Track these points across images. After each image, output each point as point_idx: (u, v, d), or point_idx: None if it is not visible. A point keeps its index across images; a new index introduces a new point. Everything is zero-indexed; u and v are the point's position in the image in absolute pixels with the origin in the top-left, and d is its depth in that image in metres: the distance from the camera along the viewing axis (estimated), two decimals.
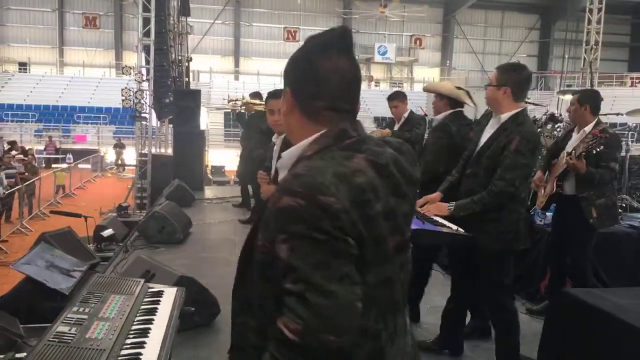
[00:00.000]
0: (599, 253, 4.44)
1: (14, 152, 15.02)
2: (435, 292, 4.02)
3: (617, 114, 6.95)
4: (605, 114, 6.83)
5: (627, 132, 6.00)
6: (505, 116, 2.82)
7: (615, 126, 7.41)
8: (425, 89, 4.11)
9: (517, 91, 2.81)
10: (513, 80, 2.80)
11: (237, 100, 8.08)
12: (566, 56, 23.13)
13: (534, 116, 6.19)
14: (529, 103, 7.36)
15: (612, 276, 4.45)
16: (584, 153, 3.66)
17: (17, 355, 2.27)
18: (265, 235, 1.07)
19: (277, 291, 1.03)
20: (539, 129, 5.75)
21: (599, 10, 18.47)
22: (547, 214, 4.53)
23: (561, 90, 6.15)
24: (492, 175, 2.77)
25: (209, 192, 10.34)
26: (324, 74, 1.17)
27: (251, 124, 7.18)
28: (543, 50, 37.45)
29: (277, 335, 0.99)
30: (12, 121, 26.46)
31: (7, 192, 11.10)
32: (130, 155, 19.88)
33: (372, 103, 29.14)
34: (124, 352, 1.22)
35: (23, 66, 32.51)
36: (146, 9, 11.39)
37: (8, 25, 33.05)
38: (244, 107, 7.53)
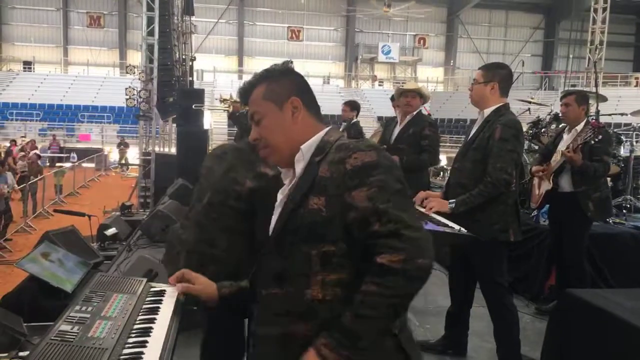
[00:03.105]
0: (604, 254, 4.43)
1: (22, 153, 15.05)
2: (439, 293, 4.01)
3: (622, 114, 6.93)
4: (609, 114, 6.81)
5: (632, 132, 5.97)
6: (488, 110, 2.97)
7: (619, 126, 7.37)
8: (412, 89, 4.24)
9: (503, 86, 2.98)
10: (500, 75, 2.97)
11: (227, 99, 8.09)
12: (570, 56, 23.06)
13: (538, 116, 6.16)
14: (533, 103, 7.34)
15: (617, 277, 4.44)
16: (580, 145, 3.82)
17: (21, 354, 2.28)
18: (322, 198, 1.29)
19: (324, 251, 1.28)
20: (542, 129, 5.73)
21: (604, 10, 18.42)
22: None
23: (566, 90, 6.11)
24: (479, 167, 2.89)
25: None
26: (308, 85, 1.51)
27: (239, 123, 7.23)
28: (547, 50, 37.35)
29: (377, 270, 1.22)
30: (16, 120, 26.55)
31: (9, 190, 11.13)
32: (133, 154, 19.91)
33: (376, 103, 29.13)
34: (125, 351, 1.21)
35: (28, 65, 32.57)
36: (150, 8, 11.40)
37: (13, 24, 33.15)
38: (230, 107, 7.55)
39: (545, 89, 32.35)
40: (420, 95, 4.20)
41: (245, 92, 1.49)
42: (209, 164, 2.41)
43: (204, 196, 2.23)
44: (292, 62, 1.79)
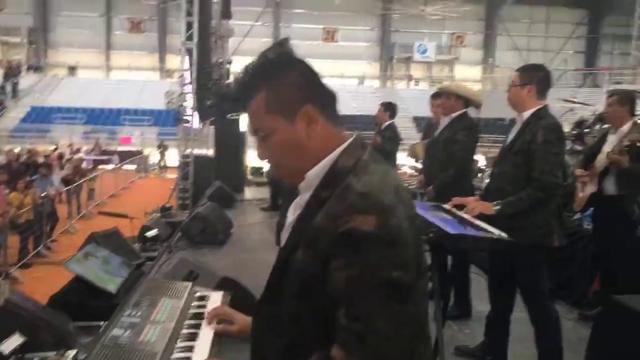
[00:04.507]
0: None
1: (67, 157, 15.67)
2: (478, 297, 3.96)
3: None
4: None
5: None
6: (527, 113, 2.91)
7: None
8: (450, 90, 4.09)
9: (540, 89, 2.90)
10: (537, 78, 2.90)
11: None
12: (615, 52, 22.28)
13: (582, 116, 6.00)
14: (576, 102, 7.15)
15: None
16: (627, 148, 3.72)
17: (69, 352, 2.38)
18: (310, 252, 1.03)
19: (318, 308, 1.03)
20: (586, 130, 5.58)
21: None
22: None
23: (611, 90, 5.85)
24: (520, 171, 2.83)
25: (249, 193, 10.49)
26: (317, 76, 1.16)
27: None
28: (591, 47, 36.19)
29: (327, 357, 1.01)
30: (61, 123, 27.50)
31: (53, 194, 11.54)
32: (173, 156, 20.34)
33: (412, 103, 28.86)
34: (174, 355, 1.25)
35: (72, 70, 33.76)
36: (189, 13, 11.63)
37: (58, 31, 34.34)
38: None
39: (588, 87, 31.40)
40: (457, 96, 3.96)
41: (242, 100, 1.17)
42: None
43: None
44: (289, 38, 1.34)
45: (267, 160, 1.18)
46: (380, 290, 0.97)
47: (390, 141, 5.70)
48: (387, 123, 5.85)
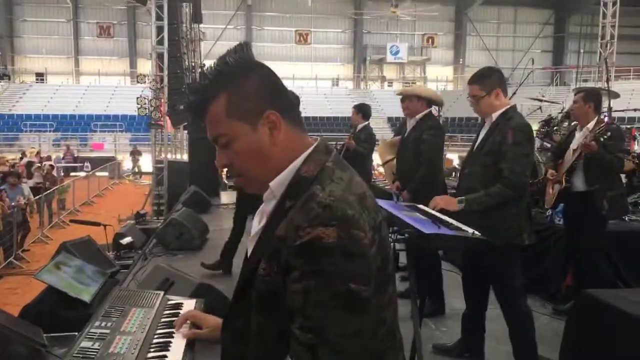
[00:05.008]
0: (621, 252, 4.39)
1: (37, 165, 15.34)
2: (454, 295, 3.99)
3: (635, 110, 6.86)
4: (622, 110, 6.74)
5: None
6: (495, 114, 2.96)
7: (634, 121, 7.29)
8: (411, 92, 4.15)
9: (504, 87, 2.98)
10: (498, 79, 2.98)
11: None
12: (581, 51, 22.84)
13: (550, 114, 6.11)
14: (544, 100, 7.28)
15: (635, 276, 4.38)
16: (592, 140, 3.79)
17: None
18: (273, 264, 1.01)
19: (280, 325, 1.01)
20: (554, 127, 5.68)
21: (614, 3, 18.12)
22: None
23: (577, 88, 5.99)
24: (490, 172, 2.87)
25: (225, 197, 10.39)
26: (278, 81, 1.13)
27: None
28: (558, 45, 37.08)
29: None
30: (30, 131, 26.92)
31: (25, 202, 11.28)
32: (146, 162, 20.09)
33: (385, 104, 29.09)
34: None
35: (40, 76, 33.10)
36: (159, 18, 11.51)
37: (24, 37, 33.66)
38: None
39: (556, 85, 32.11)
40: (418, 98, 4.07)
41: (199, 108, 1.11)
42: None
43: None
44: (248, 43, 1.18)
45: (228, 168, 1.14)
46: (335, 302, 0.94)
47: (365, 143, 5.73)
48: (361, 125, 5.88)
